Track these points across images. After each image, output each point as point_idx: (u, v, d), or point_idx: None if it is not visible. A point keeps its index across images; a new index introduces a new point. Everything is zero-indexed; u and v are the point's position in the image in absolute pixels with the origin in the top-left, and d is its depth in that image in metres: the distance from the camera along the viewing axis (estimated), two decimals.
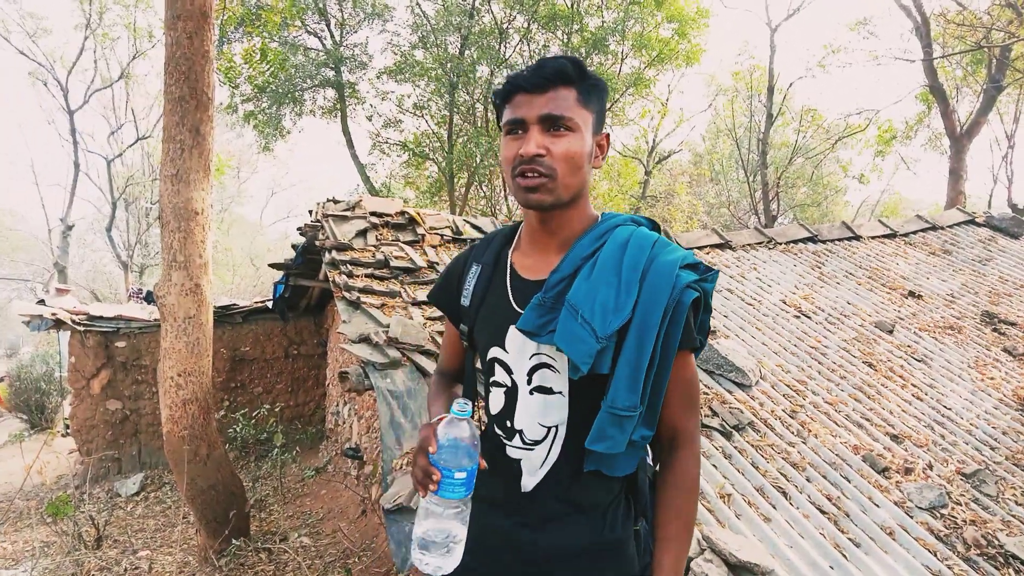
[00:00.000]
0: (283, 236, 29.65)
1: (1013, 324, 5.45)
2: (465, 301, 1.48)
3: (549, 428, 1.34)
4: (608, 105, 15.67)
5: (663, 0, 14.58)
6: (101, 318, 7.24)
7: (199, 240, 4.23)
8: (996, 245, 7.11)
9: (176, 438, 4.28)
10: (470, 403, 1.24)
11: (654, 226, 1.42)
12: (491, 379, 1.43)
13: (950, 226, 7.53)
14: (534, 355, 1.34)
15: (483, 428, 1.50)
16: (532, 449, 1.36)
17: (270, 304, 7.65)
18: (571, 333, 1.22)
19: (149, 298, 9.73)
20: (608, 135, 1.37)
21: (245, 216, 31.18)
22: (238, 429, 6.64)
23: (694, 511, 1.32)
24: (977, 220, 7.65)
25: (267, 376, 7.93)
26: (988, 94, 11.71)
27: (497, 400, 1.42)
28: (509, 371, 1.39)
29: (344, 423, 6.19)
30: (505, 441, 1.40)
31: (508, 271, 1.43)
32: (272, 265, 6.76)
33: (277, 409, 7.28)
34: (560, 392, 1.32)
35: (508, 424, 1.39)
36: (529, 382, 1.35)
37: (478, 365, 1.53)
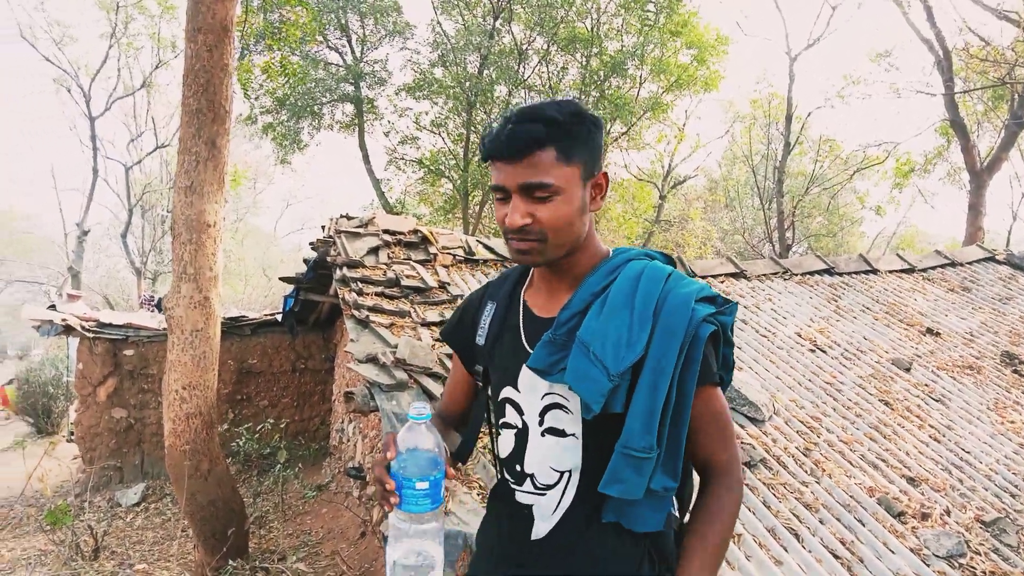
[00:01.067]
0: (296, 248, 29.73)
1: None
2: (480, 340, 1.44)
3: (562, 473, 1.28)
4: (625, 129, 15.68)
5: (682, 26, 14.62)
6: (110, 325, 7.22)
7: (210, 252, 4.21)
8: (1017, 284, 6.99)
9: (178, 452, 4.23)
10: (428, 406, 1.17)
11: (668, 260, 1.37)
12: (501, 421, 1.38)
13: (969, 263, 7.42)
14: (546, 395, 1.28)
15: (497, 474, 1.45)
16: (544, 494, 1.29)
17: (279, 317, 7.62)
18: (582, 371, 1.17)
19: (160, 306, 9.72)
20: (605, 173, 1.29)
21: (260, 227, 31.35)
22: (241, 443, 6.57)
23: (722, 539, 1.20)
24: (997, 257, 7.54)
25: (273, 390, 7.87)
26: (1010, 130, 11.60)
27: (507, 443, 1.37)
28: (520, 412, 1.33)
29: (348, 441, 6.13)
30: (515, 487, 1.34)
31: (521, 309, 1.39)
32: (283, 279, 6.73)
33: (282, 425, 7.20)
34: (573, 434, 1.26)
35: (518, 468, 1.33)
36: (541, 423, 1.30)
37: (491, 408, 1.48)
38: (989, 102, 12.90)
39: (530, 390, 1.31)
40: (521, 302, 1.40)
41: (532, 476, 1.30)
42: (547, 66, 15.44)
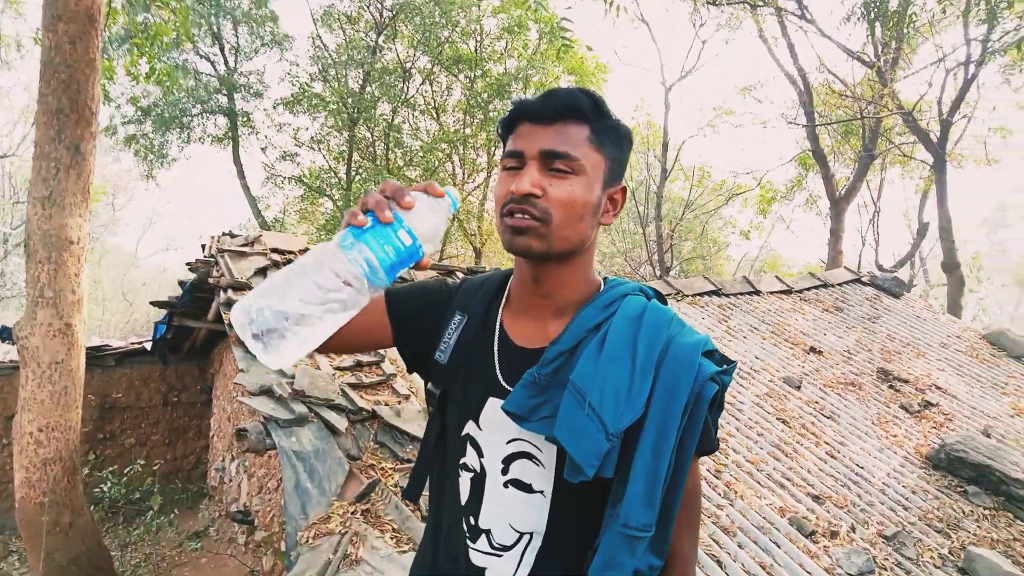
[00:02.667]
0: (161, 270, 27.75)
1: (906, 381, 5.68)
2: (441, 357, 1.18)
3: (522, 534, 1.08)
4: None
5: (564, 53, 14.90)
6: None
7: (72, 273, 3.69)
8: (881, 304, 7.50)
9: (32, 505, 3.65)
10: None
11: (661, 299, 1.19)
12: (461, 460, 1.15)
13: (839, 284, 7.90)
14: (513, 440, 1.08)
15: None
16: (500, 556, 1.09)
17: (148, 345, 6.93)
18: (575, 425, 0.96)
19: (3, 335, 8.64)
20: (624, 188, 1.13)
21: (119, 247, 29.03)
22: (106, 488, 5.84)
23: None
24: (863, 280, 8.07)
25: (141, 426, 7.12)
26: (863, 161, 12.63)
27: (464, 489, 1.15)
28: (480, 453, 1.12)
29: (231, 481, 5.61)
30: (469, 542, 1.12)
31: (497, 332, 1.16)
32: (155, 303, 6.12)
33: (155, 467, 6.50)
34: (541, 492, 1.07)
35: (473, 520, 1.12)
36: (505, 472, 1.09)
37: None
38: (842, 135, 13.99)
39: (494, 429, 1.10)
40: (498, 323, 1.17)
41: (488, 532, 1.10)
42: (431, 86, 15.30)
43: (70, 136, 3.67)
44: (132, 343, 7.23)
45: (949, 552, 3.61)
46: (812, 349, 6.00)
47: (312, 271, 0.87)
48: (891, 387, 5.57)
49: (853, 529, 3.62)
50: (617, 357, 1.01)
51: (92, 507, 5.63)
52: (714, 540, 3.32)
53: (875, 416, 5.04)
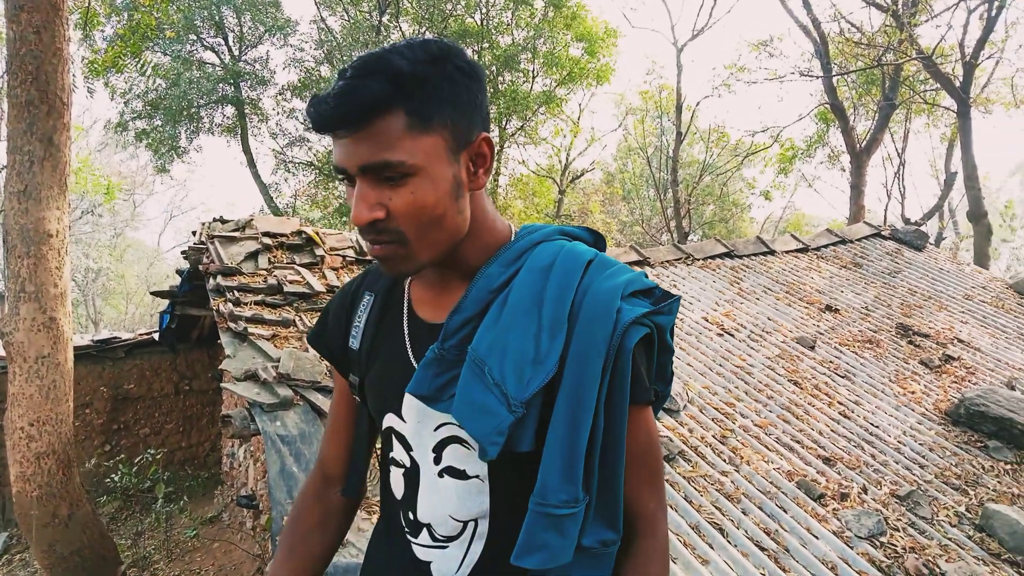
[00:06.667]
0: (183, 262, 28.15)
1: (926, 336, 5.46)
2: (354, 343, 1.09)
3: (465, 523, 0.98)
4: (521, 124, 15.62)
5: (572, 19, 14.62)
6: None
7: (53, 267, 3.64)
8: (903, 258, 7.24)
9: (28, 498, 3.65)
10: None
11: (597, 238, 1.06)
12: (389, 454, 1.06)
13: (858, 239, 7.64)
14: (441, 425, 0.97)
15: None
16: (445, 547, 0.99)
17: (156, 336, 6.95)
18: (472, 401, 0.85)
19: None
20: (486, 137, 0.92)
21: (142, 241, 29.42)
22: (116, 478, 5.89)
23: None
24: (883, 233, 7.80)
25: (155, 415, 7.17)
26: (883, 112, 12.20)
27: (397, 484, 1.05)
28: (407, 447, 1.01)
29: (239, 467, 5.62)
30: (410, 538, 1.02)
31: (405, 307, 1.04)
32: (155, 293, 6.11)
33: (163, 454, 6.53)
34: (477, 476, 0.96)
35: (411, 516, 1.02)
36: (437, 461, 0.98)
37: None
38: (862, 86, 13.53)
39: (419, 420, 0.99)
40: (405, 299, 1.05)
41: (429, 526, 1.00)
42: None
43: (42, 128, 3.61)
44: (141, 334, 7.26)
45: (966, 510, 3.45)
46: (828, 307, 5.81)
47: None
48: (910, 343, 5.37)
49: (865, 490, 3.47)
50: (520, 317, 0.88)
51: (105, 497, 5.68)
52: (717, 507, 3.20)
53: (892, 373, 4.85)
